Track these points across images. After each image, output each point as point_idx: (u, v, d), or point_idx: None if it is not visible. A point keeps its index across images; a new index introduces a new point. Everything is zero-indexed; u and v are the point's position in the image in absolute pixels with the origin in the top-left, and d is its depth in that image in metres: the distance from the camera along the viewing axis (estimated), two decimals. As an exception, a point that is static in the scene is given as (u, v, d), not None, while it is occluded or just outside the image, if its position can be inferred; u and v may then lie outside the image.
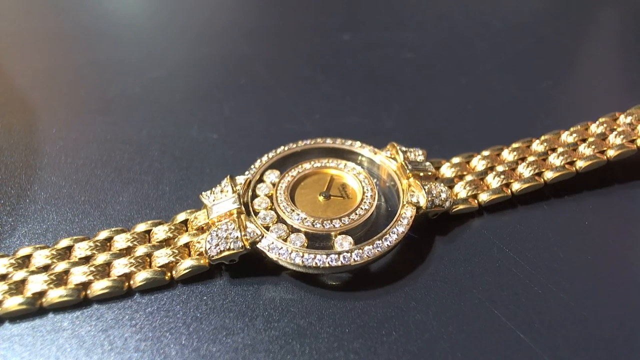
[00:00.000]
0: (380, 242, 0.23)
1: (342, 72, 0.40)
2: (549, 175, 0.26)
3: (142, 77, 0.39)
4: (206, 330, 0.21)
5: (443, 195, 0.25)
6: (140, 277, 0.22)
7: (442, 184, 0.26)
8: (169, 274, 0.23)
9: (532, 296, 0.22)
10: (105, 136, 0.32)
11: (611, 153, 0.27)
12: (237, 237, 0.23)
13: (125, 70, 0.40)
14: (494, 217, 0.26)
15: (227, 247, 0.22)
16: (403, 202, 0.25)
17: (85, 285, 0.22)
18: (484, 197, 0.26)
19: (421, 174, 0.25)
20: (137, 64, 0.41)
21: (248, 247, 0.22)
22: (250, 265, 0.24)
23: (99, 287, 0.22)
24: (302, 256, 0.22)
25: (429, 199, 0.24)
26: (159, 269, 0.22)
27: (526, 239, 0.25)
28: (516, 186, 0.26)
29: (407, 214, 0.24)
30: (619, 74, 0.41)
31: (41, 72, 0.39)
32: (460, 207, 0.25)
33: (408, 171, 0.25)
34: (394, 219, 0.24)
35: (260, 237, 0.23)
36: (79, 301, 0.22)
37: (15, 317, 0.21)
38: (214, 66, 0.41)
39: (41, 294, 0.21)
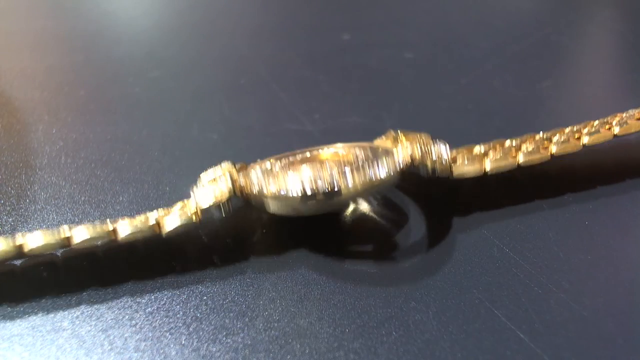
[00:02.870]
0: (372, 170, 0.23)
1: (342, 72, 0.40)
2: (554, 149, 0.26)
3: (142, 77, 0.39)
4: (206, 330, 0.21)
5: (441, 148, 0.24)
6: (126, 227, 0.22)
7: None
8: (157, 229, 0.22)
9: (532, 296, 0.22)
10: (105, 136, 0.32)
11: (617, 130, 0.27)
12: (226, 180, 0.23)
13: (125, 70, 0.40)
14: (494, 216, 0.26)
15: (216, 191, 0.22)
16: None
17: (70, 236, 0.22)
18: (489, 164, 0.25)
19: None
20: (137, 64, 0.41)
21: (238, 193, 0.23)
22: (250, 265, 0.24)
23: (82, 229, 0.22)
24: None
25: (423, 149, 0.24)
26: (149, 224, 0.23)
27: (526, 239, 0.25)
28: (522, 158, 0.26)
29: (400, 154, 0.24)
30: (619, 74, 0.41)
31: (41, 72, 0.39)
32: (464, 169, 0.25)
33: (400, 135, 0.25)
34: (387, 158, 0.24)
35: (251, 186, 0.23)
36: (61, 244, 0.21)
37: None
38: (214, 66, 0.41)
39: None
